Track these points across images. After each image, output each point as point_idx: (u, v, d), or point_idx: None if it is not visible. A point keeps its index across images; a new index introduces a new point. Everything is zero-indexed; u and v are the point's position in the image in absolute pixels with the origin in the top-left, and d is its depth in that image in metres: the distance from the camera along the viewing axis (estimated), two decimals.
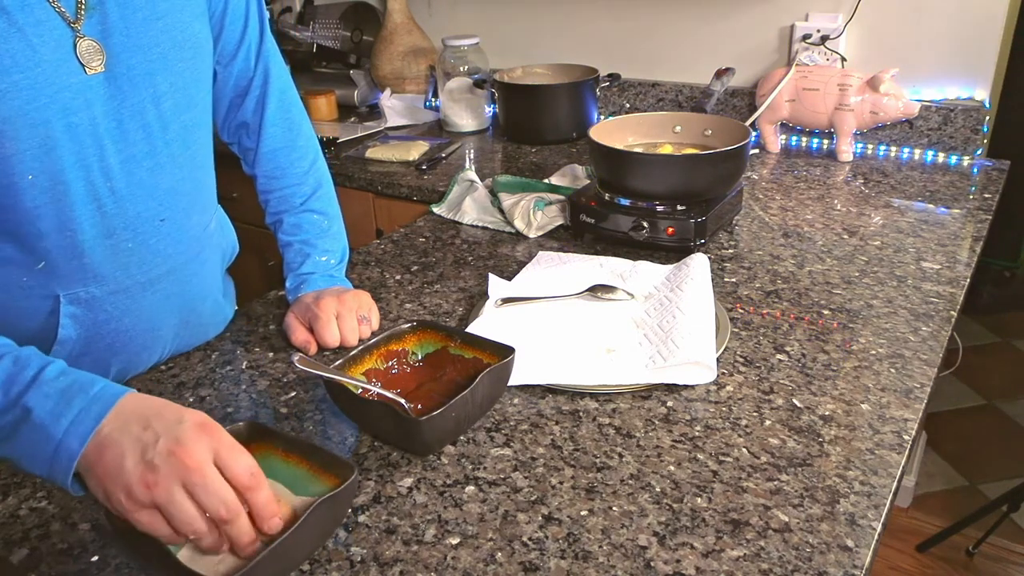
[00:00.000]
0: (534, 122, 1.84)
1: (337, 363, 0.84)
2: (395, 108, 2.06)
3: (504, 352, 0.84)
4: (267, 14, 1.03)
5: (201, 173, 0.95)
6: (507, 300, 1.04)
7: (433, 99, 2.14)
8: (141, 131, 0.83)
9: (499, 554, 0.68)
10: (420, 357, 0.91)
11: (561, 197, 1.36)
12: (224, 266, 1.10)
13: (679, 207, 1.20)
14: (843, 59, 1.69)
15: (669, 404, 0.86)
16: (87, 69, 0.76)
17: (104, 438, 0.60)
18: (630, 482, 0.75)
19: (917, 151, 1.66)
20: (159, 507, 0.58)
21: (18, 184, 0.74)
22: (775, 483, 0.74)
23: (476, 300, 1.09)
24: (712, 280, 1.09)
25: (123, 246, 0.85)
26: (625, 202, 1.23)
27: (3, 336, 0.67)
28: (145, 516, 0.58)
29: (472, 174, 1.49)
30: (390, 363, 0.89)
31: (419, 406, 0.84)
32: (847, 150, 1.62)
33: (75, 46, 0.75)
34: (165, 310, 0.94)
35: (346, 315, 0.98)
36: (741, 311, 1.05)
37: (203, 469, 0.58)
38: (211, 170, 0.99)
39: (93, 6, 0.76)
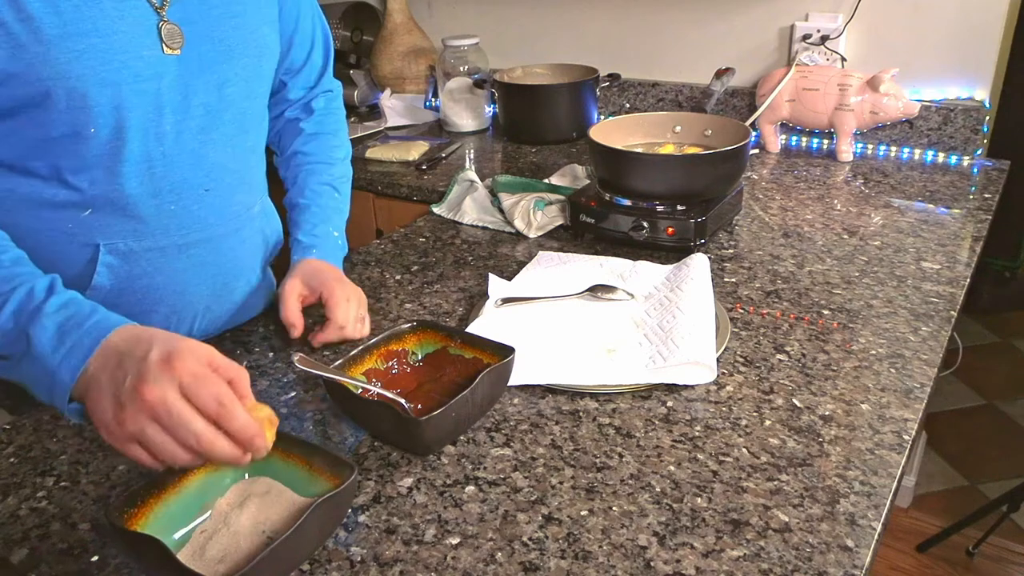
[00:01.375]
0: (534, 122, 1.84)
1: (337, 363, 0.84)
2: (395, 108, 2.06)
3: (504, 352, 0.84)
4: (332, 43, 1.18)
5: (253, 157, 1.01)
6: (507, 300, 1.04)
7: (433, 99, 2.14)
8: (201, 107, 0.90)
9: (499, 554, 0.68)
10: (420, 357, 0.91)
11: (561, 197, 1.36)
12: (266, 254, 1.11)
13: (679, 207, 1.20)
14: (843, 59, 1.69)
15: (669, 404, 0.86)
16: (166, 48, 0.84)
17: (90, 376, 0.65)
18: (630, 482, 0.75)
19: (917, 151, 1.66)
20: (137, 441, 0.61)
21: (81, 134, 0.81)
22: (775, 483, 0.74)
23: (476, 300, 1.09)
24: (712, 280, 1.09)
25: (166, 207, 0.90)
26: (625, 202, 1.23)
27: (31, 265, 0.75)
28: (129, 449, 0.62)
29: (472, 174, 1.49)
30: (390, 363, 0.89)
31: (419, 406, 0.84)
32: (847, 150, 1.62)
33: (159, 28, 0.84)
34: (198, 277, 0.97)
35: (357, 306, 0.99)
36: (741, 311, 1.05)
37: (165, 403, 0.60)
38: (262, 157, 1.05)
39: None
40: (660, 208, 1.20)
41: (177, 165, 0.89)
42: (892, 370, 0.91)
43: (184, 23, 0.86)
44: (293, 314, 0.99)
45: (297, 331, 0.99)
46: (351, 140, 1.16)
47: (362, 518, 0.73)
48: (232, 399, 0.62)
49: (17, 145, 0.82)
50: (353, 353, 0.86)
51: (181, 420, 0.60)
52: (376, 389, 0.82)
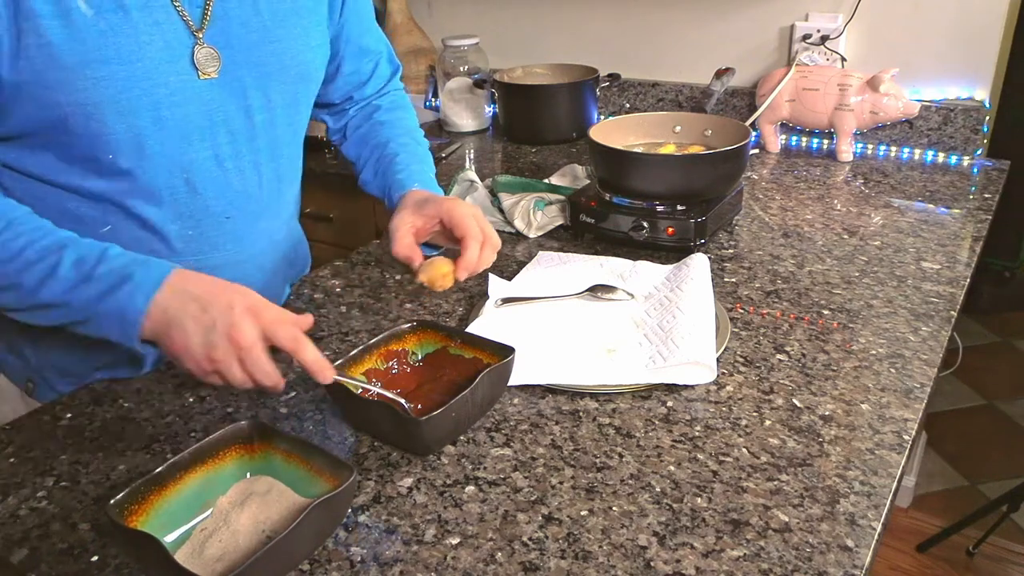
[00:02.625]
0: (534, 122, 1.84)
1: (337, 363, 0.84)
2: None
3: (504, 352, 0.84)
4: (395, 55, 1.18)
5: (283, 185, 0.99)
6: (507, 300, 1.04)
7: (433, 99, 2.14)
8: (227, 135, 0.88)
9: (499, 554, 0.68)
10: (420, 357, 0.91)
11: (561, 197, 1.35)
12: (289, 278, 1.11)
13: (679, 207, 1.20)
14: (843, 59, 1.69)
15: (669, 404, 0.86)
16: (200, 74, 0.83)
17: (167, 316, 0.73)
18: (630, 482, 0.75)
19: (917, 151, 1.66)
20: (218, 373, 0.73)
21: (100, 159, 0.81)
22: (775, 483, 0.74)
23: (476, 300, 1.09)
24: (712, 280, 1.09)
25: (184, 233, 0.90)
26: (625, 202, 1.23)
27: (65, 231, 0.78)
28: (209, 377, 0.73)
29: (472, 174, 1.49)
30: (390, 363, 0.89)
31: (419, 406, 0.84)
32: (847, 150, 1.62)
33: (193, 52, 0.82)
34: None
35: (491, 244, 0.92)
36: (741, 311, 1.05)
37: (253, 348, 0.72)
38: (293, 184, 1.03)
39: (218, 18, 0.83)
40: (660, 208, 1.20)
41: (198, 193, 0.88)
42: (892, 370, 0.91)
43: (222, 47, 0.84)
44: (408, 247, 0.91)
45: (416, 263, 0.90)
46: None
47: (362, 518, 0.73)
48: (302, 338, 0.74)
49: (42, 160, 0.82)
50: (353, 353, 0.86)
51: (260, 363, 0.72)
52: (376, 389, 0.82)
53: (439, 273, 0.89)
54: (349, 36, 1.05)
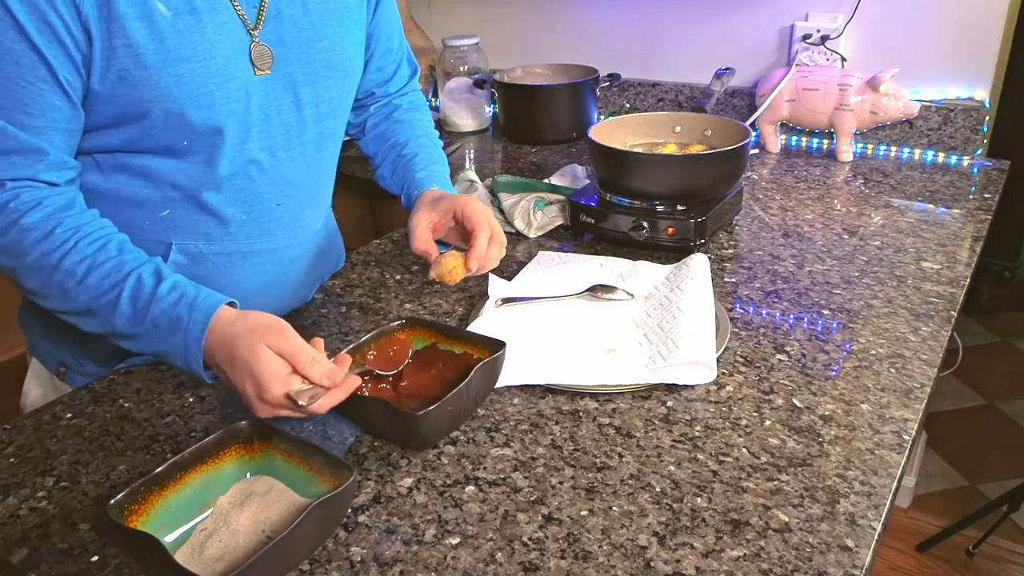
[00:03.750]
0: (534, 122, 1.84)
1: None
2: None
3: (495, 346, 0.85)
4: (414, 57, 1.21)
5: (325, 176, 1.05)
6: (507, 300, 1.04)
7: (433, 99, 2.14)
8: (281, 128, 0.93)
9: (499, 554, 0.68)
10: (410, 354, 0.91)
11: (561, 197, 1.35)
12: (322, 270, 1.14)
13: (679, 207, 1.20)
14: (843, 59, 1.69)
15: (669, 404, 0.86)
16: (256, 69, 0.88)
17: (217, 360, 0.78)
18: (630, 482, 0.75)
19: (917, 151, 1.66)
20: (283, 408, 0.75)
21: (173, 147, 0.86)
22: (775, 483, 0.74)
23: (476, 300, 1.09)
24: (712, 280, 1.09)
25: (238, 217, 0.94)
26: (625, 202, 1.23)
27: (135, 250, 0.83)
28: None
29: (472, 174, 1.49)
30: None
31: (411, 402, 0.84)
32: (847, 150, 1.62)
33: (250, 49, 0.87)
34: (255, 284, 1.00)
35: (498, 240, 0.96)
36: (741, 311, 1.05)
37: (283, 404, 0.74)
38: (332, 176, 1.08)
39: (271, 17, 0.88)
40: (660, 208, 1.20)
41: (255, 180, 0.93)
42: (892, 370, 0.91)
43: (274, 44, 0.89)
44: (425, 242, 0.95)
45: (432, 257, 0.95)
46: (351, 140, 1.17)
47: (362, 518, 0.73)
48: (335, 372, 0.75)
49: (115, 146, 0.86)
50: (344, 351, 0.86)
51: (295, 409, 0.75)
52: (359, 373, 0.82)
53: (448, 268, 0.93)
54: (379, 36, 1.09)
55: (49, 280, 0.80)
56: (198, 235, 0.93)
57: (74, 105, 0.80)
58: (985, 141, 1.61)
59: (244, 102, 0.88)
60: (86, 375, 1.00)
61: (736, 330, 1.00)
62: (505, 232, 1.33)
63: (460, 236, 0.99)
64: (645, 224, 1.19)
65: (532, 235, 1.31)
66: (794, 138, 1.77)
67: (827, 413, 0.84)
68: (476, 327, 0.98)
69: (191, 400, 0.91)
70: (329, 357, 0.77)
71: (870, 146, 1.70)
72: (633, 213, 1.21)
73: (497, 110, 1.93)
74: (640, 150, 1.31)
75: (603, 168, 1.25)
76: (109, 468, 0.81)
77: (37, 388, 1.07)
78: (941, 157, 1.62)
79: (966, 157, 1.61)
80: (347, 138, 1.15)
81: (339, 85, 0.99)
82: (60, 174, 0.82)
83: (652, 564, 0.66)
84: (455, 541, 0.69)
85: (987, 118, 1.59)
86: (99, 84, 0.79)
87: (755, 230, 1.30)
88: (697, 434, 0.81)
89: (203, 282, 0.97)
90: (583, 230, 1.27)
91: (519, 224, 1.32)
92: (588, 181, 1.46)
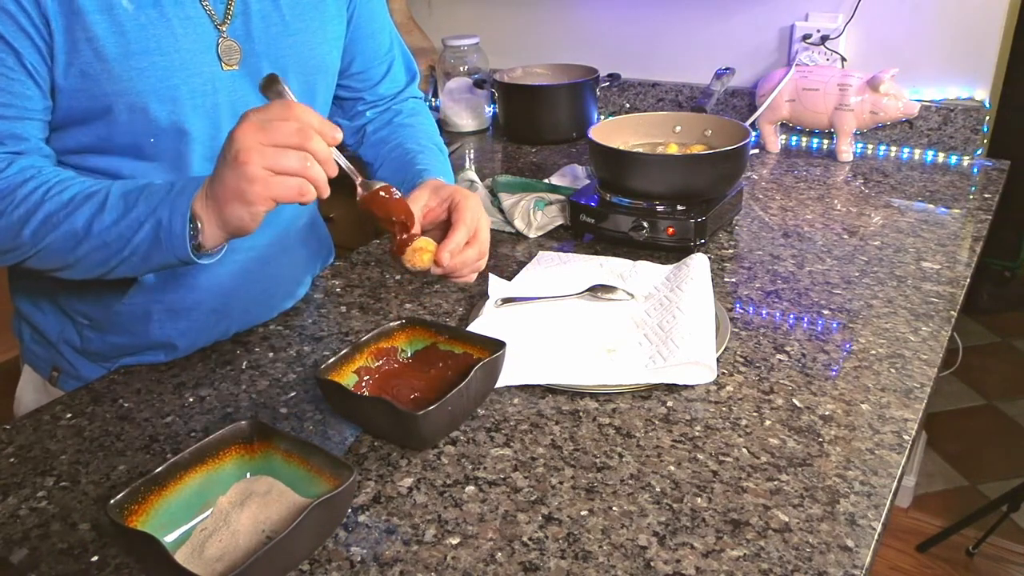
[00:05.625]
0: (534, 122, 1.84)
1: (329, 362, 0.84)
2: None
3: (494, 346, 0.85)
4: (414, 61, 1.20)
5: None
6: (507, 300, 1.04)
7: (433, 99, 2.14)
8: None
9: (499, 554, 0.68)
10: (410, 354, 0.91)
11: (561, 197, 1.35)
12: (311, 269, 1.14)
13: (679, 207, 1.20)
14: (843, 59, 1.69)
15: (669, 404, 0.86)
16: (224, 65, 0.88)
17: (205, 199, 0.74)
18: (630, 482, 0.75)
19: (917, 151, 1.66)
20: (281, 170, 0.72)
21: (142, 146, 0.86)
22: (775, 483, 0.74)
23: (476, 300, 1.09)
24: (712, 280, 1.09)
25: None
26: (625, 202, 1.23)
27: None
28: (276, 187, 0.73)
29: (472, 174, 1.49)
30: (380, 361, 0.90)
31: (411, 402, 0.84)
32: (847, 150, 1.62)
33: (218, 44, 0.87)
34: (240, 283, 1.00)
35: (478, 242, 0.89)
36: (741, 311, 1.05)
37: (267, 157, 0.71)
38: None
39: (239, 12, 0.88)
40: (660, 208, 1.20)
41: None
42: (892, 370, 0.91)
43: (242, 39, 0.89)
44: (403, 211, 0.88)
45: (414, 227, 0.86)
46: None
47: (362, 518, 0.73)
48: (305, 129, 0.72)
49: (81, 145, 0.86)
50: (343, 352, 0.86)
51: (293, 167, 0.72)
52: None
53: (415, 247, 0.83)
54: (361, 34, 1.07)
55: (35, 217, 0.77)
56: None
57: (45, 95, 0.80)
58: (985, 141, 1.61)
59: (211, 97, 0.87)
60: (80, 379, 1.00)
61: (736, 330, 1.00)
62: (505, 232, 1.34)
63: (446, 234, 0.91)
64: (645, 224, 1.19)
65: (532, 235, 1.31)
66: (794, 138, 1.77)
67: (827, 413, 0.84)
68: (476, 327, 0.98)
69: (191, 400, 0.91)
70: (329, 357, 0.77)
71: (870, 146, 1.70)
72: (633, 213, 1.21)
73: (497, 110, 1.93)
74: (640, 150, 1.31)
75: (603, 168, 1.25)
76: (109, 468, 0.81)
77: (30, 393, 1.07)
78: (941, 157, 1.62)
79: (966, 157, 1.61)
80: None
81: (311, 81, 0.97)
82: (41, 160, 0.82)
83: (652, 564, 0.66)
84: (455, 541, 0.69)
85: (987, 118, 1.59)
86: (63, 79, 0.79)
87: (755, 230, 1.30)
88: (697, 434, 0.81)
89: (182, 280, 0.97)
90: (583, 230, 1.27)
91: (519, 224, 1.32)
92: (588, 181, 1.46)
